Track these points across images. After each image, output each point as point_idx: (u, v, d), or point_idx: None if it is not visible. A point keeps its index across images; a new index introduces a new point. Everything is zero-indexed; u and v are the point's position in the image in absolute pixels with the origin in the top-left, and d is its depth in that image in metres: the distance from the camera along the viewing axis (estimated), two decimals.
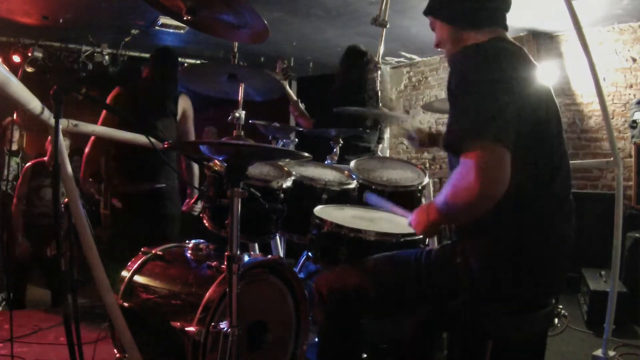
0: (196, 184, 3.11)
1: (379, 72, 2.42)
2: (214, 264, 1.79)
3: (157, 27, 5.39)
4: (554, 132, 1.36)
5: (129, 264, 2.01)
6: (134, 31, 5.57)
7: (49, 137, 3.22)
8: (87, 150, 2.93)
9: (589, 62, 2.52)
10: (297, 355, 1.96)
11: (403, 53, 6.43)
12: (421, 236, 1.77)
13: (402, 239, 1.74)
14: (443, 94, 6.36)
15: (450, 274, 1.37)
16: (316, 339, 2.13)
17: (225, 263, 1.40)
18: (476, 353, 1.40)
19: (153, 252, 2.02)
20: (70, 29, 5.47)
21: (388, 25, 2.30)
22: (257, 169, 2.09)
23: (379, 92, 2.86)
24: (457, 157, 1.23)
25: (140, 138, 2.07)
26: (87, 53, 5.84)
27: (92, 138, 2.91)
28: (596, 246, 3.80)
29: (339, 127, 2.53)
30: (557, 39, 5.25)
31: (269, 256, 2.05)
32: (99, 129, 2.05)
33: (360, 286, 1.50)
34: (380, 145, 3.44)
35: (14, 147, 4.50)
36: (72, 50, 5.82)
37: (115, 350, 1.91)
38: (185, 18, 1.74)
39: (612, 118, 4.75)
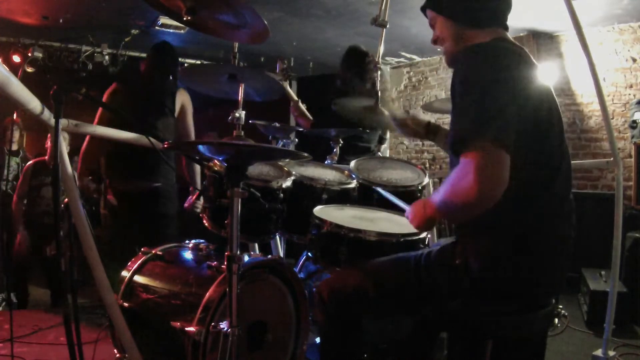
0: (198, 181, 3.10)
1: (379, 72, 2.41)
2: (214, 264, 1.80)
3: (157, 27, 5.39)
4: (555, 132, 1.36)
5: (129, 264, 2.01)
6: (134, 31, 5.57)
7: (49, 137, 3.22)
8: (83, 146, 2.93)
9: (589, 62, 2.53)
10: (297, 355, 1.96)
11: (403, 53, 6.43)
12: (421, 236, 1.78)
13: (402, 239, 1.74)
14: (443, 94, 6.37)
15: (450, 274, 1.37)
16: (316, 339, 2.13)
17: (225, 263, 1.40)
18: (476, 353, 1.40)
19: (153, 252, 2.02)
20: (70, 29, 5.47)
21: (388, 25, 2.30)
22: (257, 169, 2.09)
23: (379, 92, 2.86)
24: (457, 157, 1.23)
25: (141, 138, 2.07)
26: (87, 53, 5.85)
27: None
28: (596, 246, 3.80)
29: (339, 127, 2.53)
30: (557, 39, 5.25)
31: (269, 256, 2.05)
32: (99, 129, 2.05)
33: (360, 287, 1.50)
34: (383, 146, 3.44)
35: (14, 147, 4.51)
36: (72, 50, 5.82)
37: (115, 350, 1.91)
38: (185, 18, 1.74)
39: (612, 118, 4.75)
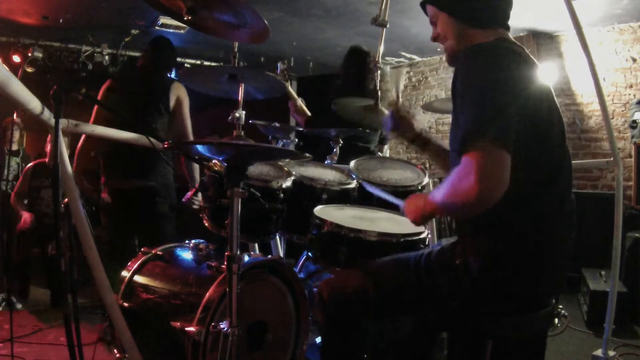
0: (197, 177, 3.09)
1: (379, 72, 2.41)
2: (214, 264, 1.80)
3: (157, 27, 5.39)
4: (556, 132, 1.36)
5: (129, 264, 2.01)
6: (134, 31, 5.58)
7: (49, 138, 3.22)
8: (79, 145, 2.93)
9: (589, 62, 2.53)
10: (297, 355, 1.96)
11: (403, 53, 6.43)
12: (421, 236, 1.78)
13: (402, 239, 1.74)
14: (443, 94, 6.37)
15: (450, 275, 1.37)
16: (316, 339, 2.13)
17: (225, 263, 1.40)
18: (476, 353, 1.40)
19: (153, 252, 2.02)
20: (70, 29, 5.47)
21: (388, 25, 2.30)
22: (257, 169, 2.09)
23: (380, 91, 2.86)
24: (459, 156, 1.23)
25: (141, 138, 2.07)
26: (87, 53, 5.85)
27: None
28: (596, 246, 3.80)
29: (339, 127, 2.53)
30: (557, 39, 5.25)
31: (269, 256, 2.05)
32: (99, 129, 2.05)
33: (361, 287, 1.50)
34: (386, 146, 3.43)
35: (14, 147, 4.52)
36: (72, 50, 5.82)
37: (115, 350, 1.91)
38: (185, 18, 1.74)
39: (612, 118, 4.75)
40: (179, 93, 3.02)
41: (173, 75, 3.33)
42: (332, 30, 5.43)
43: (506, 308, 1.35)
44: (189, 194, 2.91)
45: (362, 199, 2.19)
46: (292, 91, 3.46)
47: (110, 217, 2.97)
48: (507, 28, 1.46)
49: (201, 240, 2.03)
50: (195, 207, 2.87)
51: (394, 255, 1.60)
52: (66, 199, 1.66)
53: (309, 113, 3.36)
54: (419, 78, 6.80)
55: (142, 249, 2.07)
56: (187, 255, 2.00)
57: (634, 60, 4.74)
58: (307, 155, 1.50)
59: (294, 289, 1.95)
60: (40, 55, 5.56)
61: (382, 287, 1.49)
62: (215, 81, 2.14)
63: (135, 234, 3.02)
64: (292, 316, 1.96)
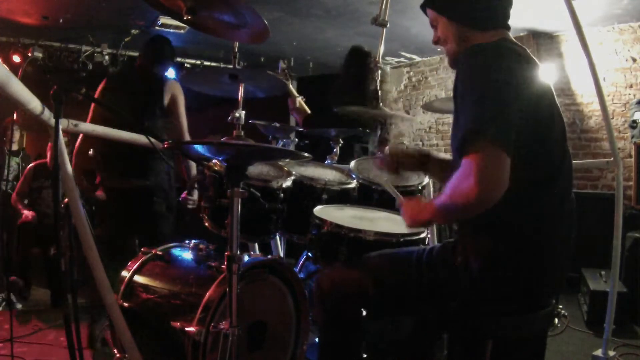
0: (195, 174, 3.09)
1: (379, 72, 2.41)
2: (214, 264, 1.79)
3: (157, 27, 5.39)
4: (556, 131, 1.36)
5: (129, 264, 2.01)
6: (134, 31, 5.58)
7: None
8: (77, 144, 2.92)
9: (589, 62, 2.52)
10: (297, 355, 1.96)
11: (403, 53, 6.43)
12: (421, 236, 1.78)
13: (402, 239, 1.74)
14: (443, 94, 6.37)
15: (450, 274, 1.37)
16: (316, 339, 2.13)
17: (225, 263, 1.40)
18: (476, 353, 1.40)
19: (153, 252, 2.02)
20: (70, 29, 5.47)
21: (388, 25, 2.30)
22: (257, 169, 2.09)
23: (380, 91, 2.86)
24: (460, 158, 1.23)
25: (141, 138, 2.07)
26: (87, 53, 5.85)
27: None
28: (596, 246, 3.80)
29: (339, 127, 2.53)
30: (557, 39, 5.25)
31: (269, 256, 2.05)
32: (99, 129, 2.05)
33: (361, 284, 1.50)
34: (387, 147, 3.42)
35: (14, 147, 4.53)
36: (72, 50, 5.82)
37: (115, 350, 1.91)
38: (185, 18, 1.74)
39: (612, 118, 4.75)
40: (173, 91, 3.01)
41: (174, 76, 3.33)
42: (332, 30, 5.43)
43: (506, 308, 1.35)
44: (184, 193, 2.91)
45: (362, 199, 2.19)
46: (293, 89, 3.46)
47: (109, 216, 2.96)
48: (508, 28, 1.46)
49: (201, 240, 2.03)
50: (190, 206, 2.87)
51: (395, 250, 1.60)
52: (66, 199, 1.66)
53: (309, 111, 3.35)
54: (419, 78, 6.80)
55: (142, 249, 2.07)
56: (187, 255, 2.00)
57: (634, 60, 4.74)
58: (307, 155, 1.50)
59: (294, 289, 1.95)
60: (40, 55, 5.57)
61: (383, 283, 1.49)
62: (216, 81, 2.14)
63: (135, 234, 3.02)
64: (292, 316, 1.96)
